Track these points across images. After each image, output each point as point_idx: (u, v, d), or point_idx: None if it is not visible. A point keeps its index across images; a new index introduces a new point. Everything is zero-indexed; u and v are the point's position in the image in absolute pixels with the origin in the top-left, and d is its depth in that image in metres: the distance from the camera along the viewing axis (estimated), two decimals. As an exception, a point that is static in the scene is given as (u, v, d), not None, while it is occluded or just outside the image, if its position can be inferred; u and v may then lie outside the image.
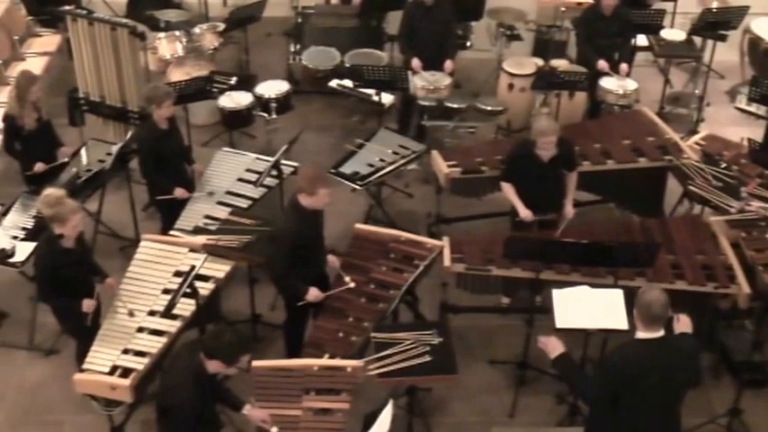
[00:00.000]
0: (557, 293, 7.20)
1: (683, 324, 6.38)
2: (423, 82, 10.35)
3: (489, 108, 10.59)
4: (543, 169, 8.33)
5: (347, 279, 7.69)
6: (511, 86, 11.10)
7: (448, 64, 10.55)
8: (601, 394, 6.22)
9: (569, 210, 8.48)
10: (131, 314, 7.57)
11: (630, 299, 7.00)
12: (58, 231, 7.25)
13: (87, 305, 7.43)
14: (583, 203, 9.99)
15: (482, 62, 12.27)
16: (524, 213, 8.39)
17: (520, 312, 8.48)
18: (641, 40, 11.83)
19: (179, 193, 8.82)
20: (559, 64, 11.23)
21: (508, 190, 8.54)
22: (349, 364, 6.96)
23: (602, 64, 10.41)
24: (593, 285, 7.26)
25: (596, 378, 6.37)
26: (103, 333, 7.47)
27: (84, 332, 7.53)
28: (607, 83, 10.38)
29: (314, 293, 7.56)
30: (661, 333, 6.04)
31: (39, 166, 9.08)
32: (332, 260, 7.85)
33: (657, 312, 5.98)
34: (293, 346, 7.86)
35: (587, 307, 6.95)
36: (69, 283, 7.39)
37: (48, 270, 7.35)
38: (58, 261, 7.31)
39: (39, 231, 8.35)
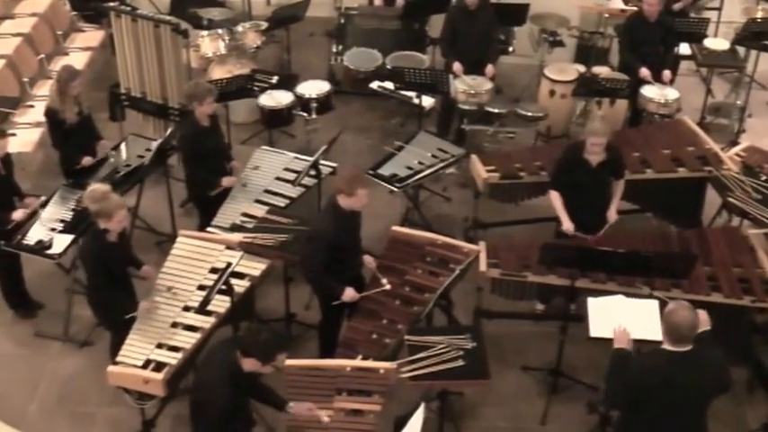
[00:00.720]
0: (592, 302, 7.19)
1: (701, 322, 6.35)
2: (464, 86, 10.35)
3: (530, 114, 10.58)
4: (591, 175, 8.32)
5: (384, 281, 7.71)
6: (552, 92, 11.09)
7: (489, 68, 10.56)
8: (616, 398, 6.27)
9: (613, 213, 8.46)
10: (170, 290, 7.64)
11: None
12: (104, 226, 7.34)
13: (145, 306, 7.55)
14: (620, 212, 9.96)
15: (524, 67, 12.27)
16: (567, 226, 8.38)
17: (554, 319, 8.45)
18: (684, 48, 11.77)
19: (227, 182, 8.90)
20: (601, 71, 11.21)
21: (555, 199, 8.52)
22: (382, 365, 6.98)
23: (645, 71, 10.38)
24: (628, 295, 7.25)
25: (618, 382, 6.35)
26: (138, 327, 7.52)
27: (119, 325, 7.61)
28: (648, 91, 10.33)
29: (350, 294, 7.59)
30: (688, 347, 6.05)
31: (86, 160, 9.19)
32: (368, 261, 7.88)
33: (685, 333, 6.01)
34: (327, 347, 7.89)
35: (622, 317, 6.92)
36: (113, 277, 7.48)
37: (99, 263, 7.42)
38: (104, 256, 7.40)
39: (77, 224, 8.45)
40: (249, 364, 6.29)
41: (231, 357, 6.30)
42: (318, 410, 6.67)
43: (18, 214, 8.43)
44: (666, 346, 6.08)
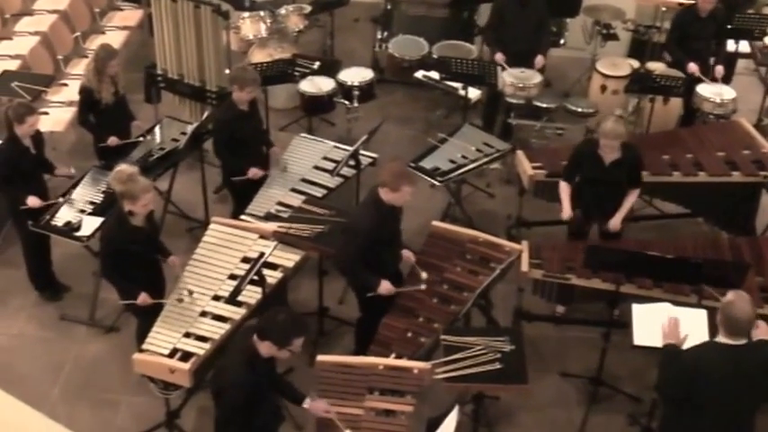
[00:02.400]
0: (637, 308, 7.12)
1: (762, 331, 6.31)
2: (512, 78, 10.29)
3: (580, 109, 10.50)
4: (603, 171, 8.28)
5: (424, 275, 7.68)
6: (603, 88, 10.99)
7: (539, 59, 10.48)
8: (668, 388, 6.25)
9: (616, 222, 8.38)
10: (191, 293, 7.65)
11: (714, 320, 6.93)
12: (128, 208, 7.36)
13: (142, 299, 7.54)
14: (670, 216, 9.91)
15: (575, 61, 12.19)
16: (567, 214, 8.40)
17: (596, 325, 8.40)
18: (743, 46, 11.62)
19: (252, 173, 8.88)
20: (656, 67, 11.09)
21: (563, 188, 8.52)
22: (416, 365, 6.95)
23: (693, 67, 10.26)
24: (675, 303, 7.18)
25: (669, 374, 6.29)
26: (166, 314, 7.55)
27: (144, 312, 7.63)
28: (704, 90, 10.20)
29: (386, 286, 7.56)
30: (743, 341, 6.01)
31: (112, 140, 9.22)
32: (407, 255, 7.84)
33: (743, 327, 5.99)
34: (364, 344, 7.84)
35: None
36: (135, 262, 7.49)
37: (113, 246, 7.47)
38: (125, 238, 7.42)
39: (107, 206, 8.50)
40: (266, 348, 6.27)
41: (249, 342, 6.30)
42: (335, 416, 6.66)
43: (32, 200, 8.47)
44: (721, 339, 6.05)
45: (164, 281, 7.92)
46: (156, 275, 7.84)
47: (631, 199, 8.45)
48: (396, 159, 8.19)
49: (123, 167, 7.48)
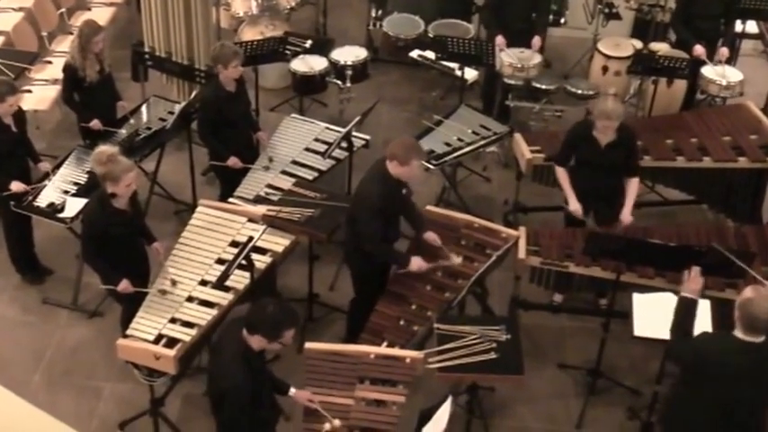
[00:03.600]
0: (638, 298, 7.11)
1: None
2: (510, 59, 10.23)
3: (580, 91, 10.45)
4: (599, 154, 8.22)
5: (456, 259, 7.71)
6: (605, 69, 10.93)
7: (536, 40, 10.38)
8: (679, 353, 6.30)
9: (627, 216, 8.30)
10: (174, 283, 7.60)
11: (719, 309, 6.89)
12: (111, 190, 7.30)
13: (123, 287, 7.49)
14: (673, 202, 9.87)
15: (576, 41, 12.15)
16: (575, 207, 8.31)
17: (596, 315, 8.37)
18: (750, 26, 11.54)
19: (232, 162, 8.84)
20: (660, 48, 11.03)
21: (562, 177, 8.43)
22: (408, 354, 6.92)
23: (699, 49, 10.17)
24: (678, 293, 7.12)
25: (682, 344, 6.27)
26: (151, 299, 7.50)
27: (129, 298, 7.58)
28: (709, 72, 10.13)
29: (417, 263, 7.56)
30: (761, 339, 5.99)
31: (95, 124, 9.17)
32: (432, 237, 7.81)
33: (761, 326, 5.95)
34: (356, 331, 7.81)
35: (670, 316, 6.81)
36: (118, 246, 7.44)
37: (95, 229, 7.42)
38: (107, 221, 7.37)
39: (91, 187, 8.43)
40: (256, 342, 6.20)
41: (239, 337, 6.23)
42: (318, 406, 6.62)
43: (16, 186, 8.42)
44: (738, 334, 6.01)
45: (148, 265, 7.88)
46: (140, 260, 7.80)
47: (634, 188, 8.37)
48: (407, 136, 8.15)
49: (103, 148, 7.41)
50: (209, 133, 8.83)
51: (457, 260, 7.72)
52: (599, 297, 8.61)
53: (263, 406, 6.45)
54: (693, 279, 6.52)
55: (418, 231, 7.89)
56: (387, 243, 7.61)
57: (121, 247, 7.48)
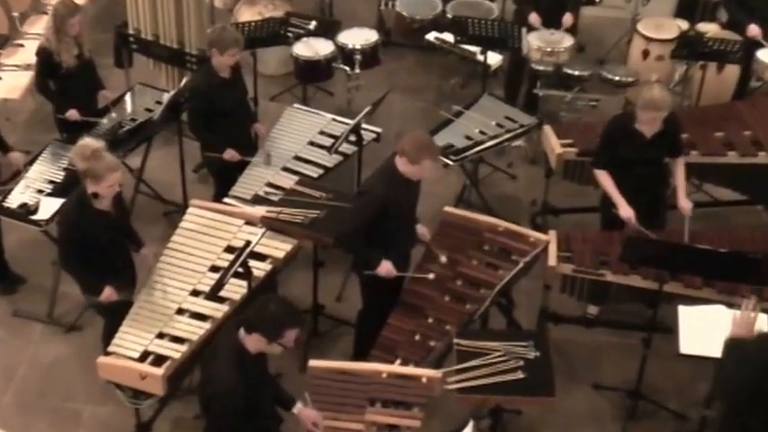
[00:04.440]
0: (684, 311, 7.11)
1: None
2: (539, 42, 10.24)
3: (617, 78, 10.44)
4: (644, 149, 8.21)
5: (443, 258, 7.74)
6: (646, 53, 10.93)
7: (567, 17, 10.40)
8: (728, 386, 6.10)
9: (685, 203, 8.30)
10: (164, 292, 7.62)
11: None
12: (92, 190, 7.30)
13: (106, 295, 7.50)
14: (724, 203, 9.85)
15: (613, 21, 12.17)
16: (626, 213, 8.21)
17: (636, 329, 8.37)
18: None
19: (228, 155, 8.85)
20: (708, 29, 11.01)
21: (605, 179, 8.37)
22: (424, 373, 6.92)
23: (754, 29, 10.14)
24: (729, 306, 7.14)
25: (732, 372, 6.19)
26: (136, 312, 7.52)
27: (111, 309, 7.60)
28: (766, 56, 10.11)
29: (386, 267, 7.57)
30: None
31: (71, 114, 9.19)
32: (422, 232, 7.87)
33: None
34: (364, 347, 7.83)
35: (720, 331, 6.78)
36: (99, 251, 7.45)
37: (73, 232, 7.42)
38: (86, 224, 7.37)
39: (69, 186, 8.45)
40: (254, 342, 6.22)
41: (235, 337, 6.26)
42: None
43: None
44: None
45: (134, 273, 7.90)
46: (125, 267, 7.80)
47: (682, 169, 8.39)
48: (420, 131, 8.15)
49: (87, 142, 7.42)
50: (201, 125, 8.85)
51: (443, 259, 7.73)
52: (649, 307, 8.51)
53: (261, 415, 6.47)
54: (746, 317, 6.33)
55: None
56: (394, 248, 7.64)
57: (103, 252, 7.48)
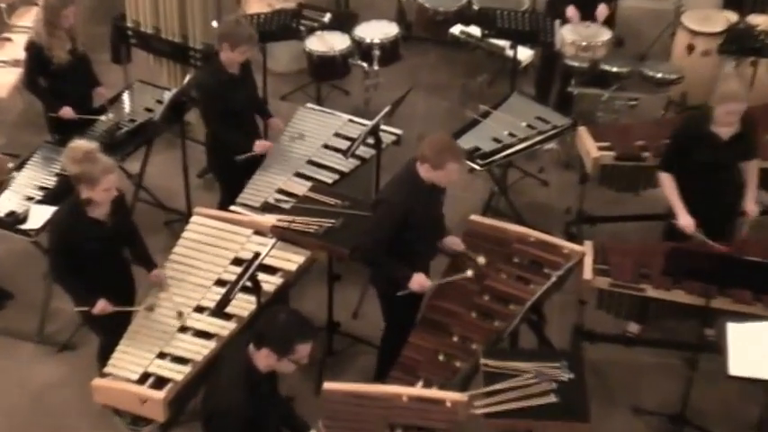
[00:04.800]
0: (733, 329, 7.07)
1: None
2: (574, 36, 10.23)
3: (659, 75, 10.40)
4: (720, 153, 8.17)
5: (481, 259, 7.74)
6: (691, 48, 10.93)
7: (601, 8, 10.42)
8: None
9: (752, 206, 8.31)
10: (180, 315, 7.61)
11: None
12: (86, 195, 7.29)
13: (100, 307, 7.49)
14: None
15: (654, 13, 12.20)
16: (686, 221, 8.21)
17: (679, 348, 8.34)
18: None
19: (260, 147, 8.86)
20: (760, 21, 10.97)
21: (668, 184, 8.37)
22: (449, 396, 6.87)
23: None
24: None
25: None
26: (135, 329, 7.52)
27: (108, 326, 7.60)
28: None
29: (419, 281, 7.53)
30: None
31: (66, 111, 9.20)
32: (454, 242, 7.86)
33: None
34: (386, 357, 7.84)
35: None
36: (93, 264, 7.44)
37: (64, 242, 7.40)
38: (80, 233, 7.35)
39: (61, 193, 8.46)
40: (263, 359, 6.19)
41: (244, 355, 6.24)
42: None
43: None
44: None
45: (133, 288, 7.91)
46: (122, 282, 7.81)
47: (755, 171, 8.37)
48: (440, 133, 8.12)
49: (79, 143, 7.41)
50: (220, 124, 8.83)
51: (481, 260, 7.73)
52: (704, 327, 8.45)
53: None
54: None
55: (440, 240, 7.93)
56: (414, 260, 7.60)
57: (97, 264, 7.47)
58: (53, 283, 8.17)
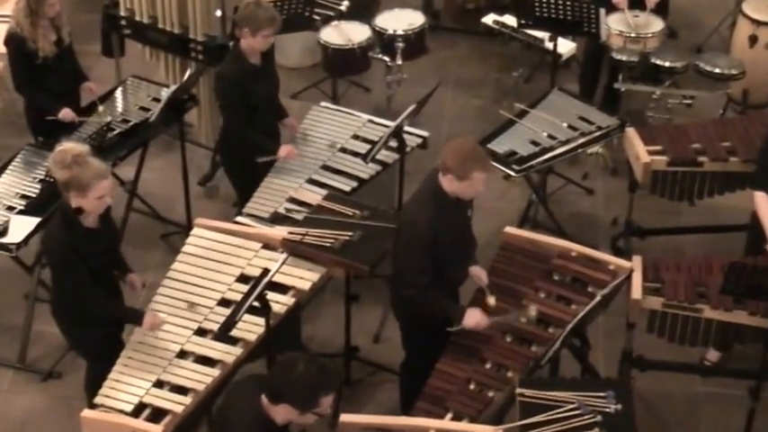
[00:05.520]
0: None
1: None
2: (621, 26, 10.27)
3: (718, 70, 10.45)
4: None
5: (491, 300, 7.68)
6: (753, 39, 10.93)
7: (652, -6, 10.47)
8: None
9: None
10: (192, 306, 7.69)
11: None
12: (76, 204, 7.29)
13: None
14: None
15: (712, 1, 12.15)
16: None
17: (740, 377, 8.36)
18: None
19: (286, 152, 8.93)
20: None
21: (762, 203, 8.31)
22: (481, 430, 6.93)
23: None
24: None
25: None
26: (129, 355, 7.54)
27: (100, 351, 7.65)
28: None
29: (475, 318, 7.51)
30: None
31: (66, 113, 9.22)
32: (477, 273, 7.84)
33: None
34: (411, 402, 7.84)
35: None
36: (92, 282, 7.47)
37: (72, 256, 7.32)
38: (79, 247, 7.34)
39: (46, 203, 8.50)
40: (282, 414, 6.18)
41: (256, 406, 6.22)
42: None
43: None
44: None
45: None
46: (115, 298, 7.83)
47: None
48: (462, 137, 8.10)
49: (67, 146, 7.34)
50: (241, 121, 8.89)
51: (491, 301, 7.71)
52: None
53: None
54: None
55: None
56: (442, 287, 7.57)
57: (95, 283, 7.48)
58: (36, 303, 8.21)
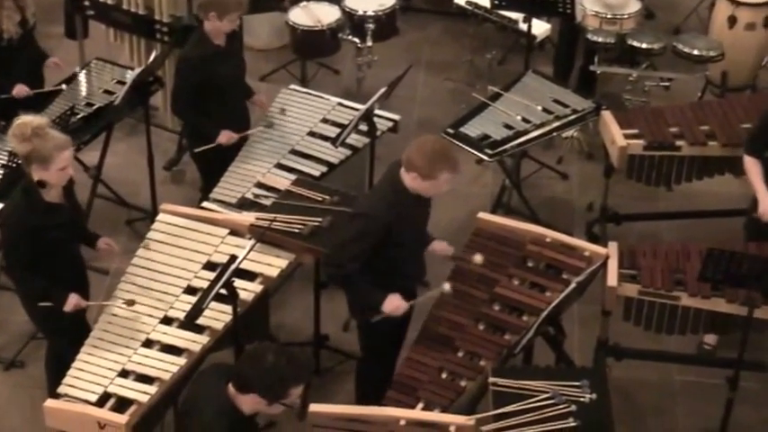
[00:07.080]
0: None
1: None
2: (597, 6, 10.28)
3: (696, 52, 10.48)
4: None
5: (478, 258, 7.67)
6: (733, 20, 10.93)
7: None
8: None
9: None
10: (131, 303, 7.66)
11: None
12: (38, 177, 7.30)
13: (73, 303, 7.48)
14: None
15: (690, -19, 12.22)
16: (766, 207, 8.28)
17: (718, 366, 8.39)
18: None
19: (225, 137, 8.91)
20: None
21: (752, 168, 8.39)
22: (453, 420, 6.91)
23: None
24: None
25: None
26: (93, 344, 7.53)
27: (64, 334, 7.64)
28: None
29: (393, 302, 7.47)
30: None
31: (20, 89, 9.22)
32: (442, 248, 7.86)
33: None
34: (366, 392, 7.89)
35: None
36: (50, 256, 7.45)
37: (23, 232, 7.36)
38: (38, 220, 7.34)
39: (9, 189, 8.46)
40: (249, 404, 6.20)
41: (223, 396, 6.24)
42: None
43: None
44: None
45: (87, 286, 7.92)
46: (80, 278, 7.84)
47: None
48: (432, 136, 8.02)
49: (26, 119, 7.29)
50: (190, 106, 8.90)
51: (477, 258, 7.71)
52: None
53: None
54: None
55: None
56: (363, 275, 7.50)
57: (55, 259, 7.49)
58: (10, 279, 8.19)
